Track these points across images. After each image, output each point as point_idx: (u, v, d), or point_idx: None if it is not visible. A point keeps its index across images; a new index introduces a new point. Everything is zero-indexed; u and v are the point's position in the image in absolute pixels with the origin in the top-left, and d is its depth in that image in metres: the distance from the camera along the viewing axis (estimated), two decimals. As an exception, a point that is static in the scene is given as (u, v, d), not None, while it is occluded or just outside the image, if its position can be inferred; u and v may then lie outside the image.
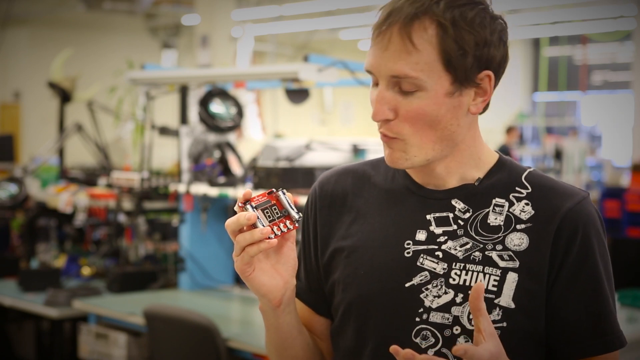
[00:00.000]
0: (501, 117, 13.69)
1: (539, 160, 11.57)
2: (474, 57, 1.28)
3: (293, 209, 1.30)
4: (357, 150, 4.14)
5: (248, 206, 1.28)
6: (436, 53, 1.27)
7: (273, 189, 1.32)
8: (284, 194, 1.31)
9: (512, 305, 1.30)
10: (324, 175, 1.51)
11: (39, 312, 4.02)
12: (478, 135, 1.38)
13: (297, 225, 1.31)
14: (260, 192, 1.32)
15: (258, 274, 1.32)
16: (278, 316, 1.37)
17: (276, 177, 3.60)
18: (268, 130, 12.15)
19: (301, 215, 1.32)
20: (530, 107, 15.63)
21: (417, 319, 1.32)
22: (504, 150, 10.52)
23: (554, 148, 10.66)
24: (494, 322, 1.29)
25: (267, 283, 1.32)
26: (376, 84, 1.34)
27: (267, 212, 1.29)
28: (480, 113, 1.35)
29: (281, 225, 1.29)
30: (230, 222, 1.27)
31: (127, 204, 4.47)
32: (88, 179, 5.04)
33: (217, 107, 4.10)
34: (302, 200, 3.07)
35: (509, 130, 11.53)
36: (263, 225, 1.27)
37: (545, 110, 15.09)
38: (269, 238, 1.26)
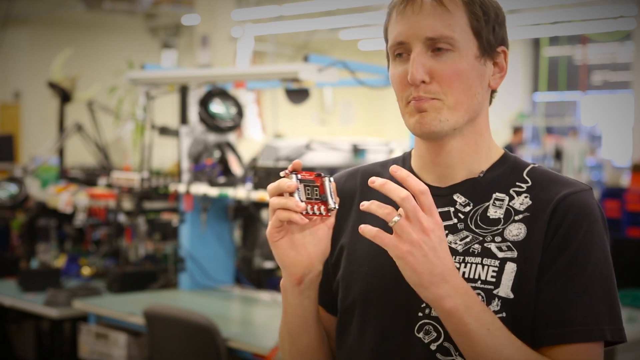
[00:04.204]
0: (501, 117, 13.70)
1: (539, 160, 11.56)
2: (493, 27, 1.35)
3: (332, 198, 1.33)
4: (357, 150, 4.14)
5: (293, 175, 1.30)
6: (465, 17, 1.32)
7: (322, 173, 1.34)
8: (329, 181, 1.34)
9: (511, 296, 1.29)
10: (336, 176, 1.53)
11: (39, 312, 4.02)
12: (489, 125, 1.41)
13: (329, 214, 1.33)
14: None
15: (286, 243, 1.34)
16: (296, 296, 1.38)
17: (276, 177, 3.59)
18: (268, 130, 12.14)
19: (337, 206, 1.34)
20: (530, 107, 15.63)
21: (420, 314, 1.33)
22: (508, 148, 10.49)
23: (554, 148, 10.65)
24: (493, 312, 1.29)
25: (291, 255, 1.34)
26: (399, 55, 1.34)
27: (307, 190, 1.31)
28: (490, 101, 1.40)
29: (315, 207, 1.31)
30: (271, 185, 1.31)
31: (127, 204, 4.47)
32: (88, 179, 5.04)
33: (217, 107, 4.10)
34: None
35: (516, 130, 11.49)
36: (300, 199, 1.29)
37: (545, 110, 15.08)
38: (303, 213, 1.29)
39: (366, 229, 1.21)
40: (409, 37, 1.32)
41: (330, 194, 1.33)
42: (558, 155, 10.38)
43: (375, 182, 1.21)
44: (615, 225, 7.63)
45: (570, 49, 14.39)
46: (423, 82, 1.31)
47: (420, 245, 1.19)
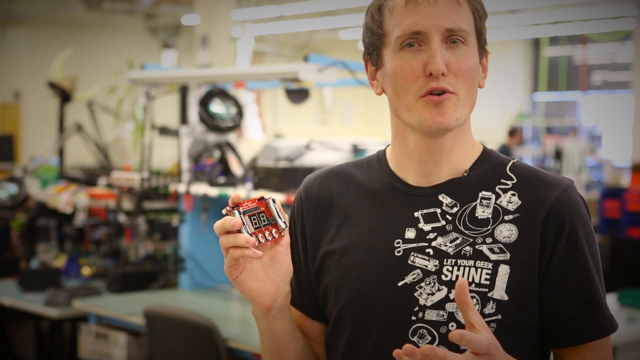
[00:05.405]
0: (501, 117, 13.69)
1: (539, 160, 11.56)
2: (484, 26, 1.36)
3: (281, 218, 1.31)
4: (357, 150, 4.13)
5: (235, 211, 1.28)
6: (471, 13, 1.33)
7: (263, 196, 1.33)
8: (273, 202, 1.32)
9: (506, 298, 1.30)
10: (308, 179, 1.50)
11: (39, 312, 4.02)
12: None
13: (282, 234, 1.32)
14: (255, 195, 1.33)
15: (247, 277, 1.31)
16: (269, 321, 1.36)
17: (276, 177, 3.59)
18: (268, 130, 12.14)
19: (287, 225, 1.32)
20: (530, 107, 15.62)
21: (413, 318, 1.33)
22: (504, 150, 10.51)
23: (554, 148, 10.66)
24: (488, 315, 1.30)
25: (255, 287, 1.32)
26: (410, 45, 1.31)
27: (254, 219, 1.29)
28: None
29: (266, 233, 1.30)
30: (216, 225, 1.28)
31: (127, 204, 4.47)
32: (88, 179, 5.04)
33: (217, 107, 4.10)
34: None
35: (512, 132, 11.48)
36: (248, 232, 1.28)
37: (545, 110, 15.07)
38: (254, 245, 1.27)
39: None
40: (428, 27, 1.30)
41: (278, 215, 1.31)
42: (558, 155, 10.38)
43: None
44: (615, 225, 7.63)
45: (570, 49, 14.39)
46: (442, 74, 1.30)
47: None
